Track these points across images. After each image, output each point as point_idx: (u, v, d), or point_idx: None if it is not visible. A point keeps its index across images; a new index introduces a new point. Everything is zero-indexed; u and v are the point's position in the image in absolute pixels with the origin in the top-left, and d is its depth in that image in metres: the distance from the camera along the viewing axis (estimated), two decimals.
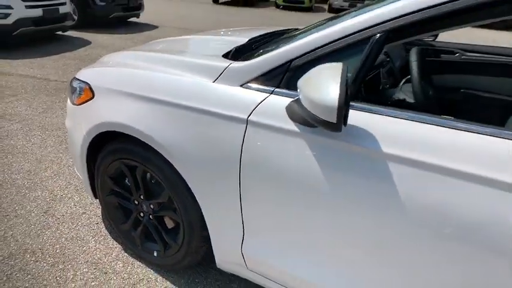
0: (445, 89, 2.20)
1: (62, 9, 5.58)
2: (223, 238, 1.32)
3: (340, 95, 0.79)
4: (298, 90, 0.92)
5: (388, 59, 1.64)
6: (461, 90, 2.17)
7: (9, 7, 4.78)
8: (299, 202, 1.07)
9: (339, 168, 0.97)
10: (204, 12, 11.80)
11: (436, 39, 2.37)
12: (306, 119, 0.93)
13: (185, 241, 1.46)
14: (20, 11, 4.89)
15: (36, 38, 5.60)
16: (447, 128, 0.88)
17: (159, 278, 1.61)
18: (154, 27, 8.11)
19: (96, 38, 6.47)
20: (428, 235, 0.88)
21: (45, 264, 1.63)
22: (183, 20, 9.38)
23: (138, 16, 8.18)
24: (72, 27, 6.42)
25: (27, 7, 4.97)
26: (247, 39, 1.68)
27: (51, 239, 1.79)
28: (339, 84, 0.80)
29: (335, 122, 0.81)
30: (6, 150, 2.57)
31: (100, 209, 2.02)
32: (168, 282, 1.58)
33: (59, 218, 1.94)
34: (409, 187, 0.88)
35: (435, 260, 0.90)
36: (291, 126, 1.02)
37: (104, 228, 1.88)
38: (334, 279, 1.10)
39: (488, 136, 0.84)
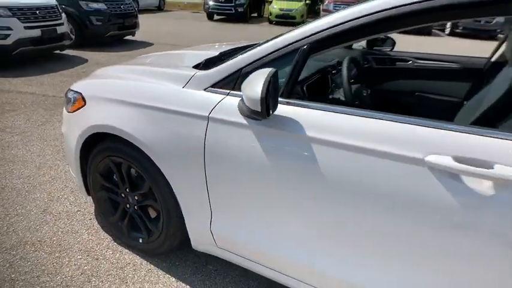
0: (402, 92, 2.46)
1: (60, 30, 5.89)
2: (195, 220, 1.55)
3: (262, 91, 1.05)
4: (241, 91, 1.18)
5: (340, 67, 1.90)
6: (416, 94, 2.44)
7: (9, 28, 5.08)
8: (251, 183, 1.31)
9: (276, 150, 1.21)
10: (199, 29, 12.20)
11: (393, 49, 2.65)
12: (247, 113, 1.18)
13: (164, 226, 1.68)
14: (19, 32, 5.19)
15: (35, 56, 5.89)
16: (361, 117, 1.12)
17: (144, 262, 1.82)
18: (149, 44, 8.44)
19: (93, 56, 6.78)
20: (340, 197, 1.12)
21: (43, 253, 1.85)
22: (177, 37, 9.73)
23: (133, 34, 8.53)
24: (70, 46, 6.74)
25: (26, 28, 5.27)
26: (219, 53, 1.94)
27: (48, 232, 2.01)
28: (262, 83, 1.05)
29: (260, 110, 1.07)
30: (7, 159, 2.81)
31: (93, 207, 2.24)
32: (151, 266, 1.80)
33: (55, 216, 2.16)
34: (327, 163, 1.13)
35: (353, 220, 1.14)
36: (241, 120, 1.27)
37: (97, 223, 2.11)
38: (291, 250, 1.32)
39: (392, 122, 1.08)
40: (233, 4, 14.33)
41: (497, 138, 0.95)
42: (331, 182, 1.13)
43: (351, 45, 2.64)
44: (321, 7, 14.34)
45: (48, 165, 2.74)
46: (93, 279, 1.70)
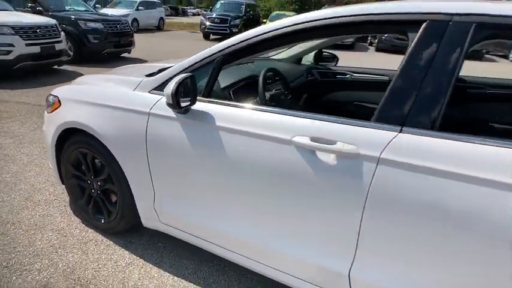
0: (342, 102, 2.84)
1: (58, 46, 6.38)
2: (142, 200, 1.90)
3: (172, 88, 1.42)
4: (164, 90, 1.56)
5: (277, 78, 2.28)
6: (354, 103, 2.81)
7: (11, 45, 5.56)
8: (179, 165, 1.66)
9: (196, 137, 1.58)
10: (193, 48, 12.77)
11: (337, 64, 3.05)
12: (167, 106, 1.55)
13: (120, 207, 2.03)
14: (20, 48, 5.67)
15: (35, 71, 6.34)
16: (255, 111, 1.49)
17: (104, 239, 2.16)
18: (143, 61, 8.95)
19: (89, 71, 7.24)
20: (239, 172, 1.47)
21: (21, 231, 2.19)
22: (170, 55, 10.25)
23: (129, 52, 9.05)
24: (69, 62, 7.21)
25: (27, 45, 5.75)
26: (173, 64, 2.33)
27: (27, 216, 2.35)
28: (174, 83, 1.43)
29: (171, 103, 1.44)
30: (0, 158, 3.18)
31: (68, 197, 2.59)
32: (110, 242, 2.14)
33: (35, 203, 2.51)
34: (229, 145, 1.49)
35: (252, 192, 1.48)
36: (171, 114, 1.64)
37: (70, 209, 2.45)
38: (217, 222, 1.66)
39: (273, 114, 1.44)
40: (228, 25, 15.03)
41: (340, 124, 1.31)
42: (233, 159, 1.49)
43: (300, 59, 3.04)
44: None
45: (35, 163, 3.10)
46: (60, 250, 2.04)
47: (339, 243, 1.35)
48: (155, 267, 1.95)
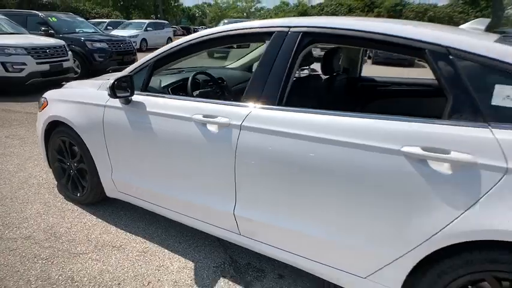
0: (237, 91, 3.25)
1: (65, 64, 7.18)
2: (104, 174, 2.48)
3: (110, 84, 2.01)
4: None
5: (208, 78, 2.84)
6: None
7: (24, 64, 6.36)
8: (127, 143, 2.24)
9: (136, 120, 2.15)
10: (195, 65, 13.57)
11: None
12: (109, 96, 2.13)
13: (89, 182, 2.61)
14: (32, 66, 6.46)
15: (45, 86, 7.11)
16: (177, 100, 2.06)
17: (79, 209, 2.73)
18: None
19: None
20: (169, 147, 2.04)
21: (16, 203, 2.79)
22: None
23: None
24: (77, 79, 8.00)
25: (38, 63, 6.55)
26: None
27: (22, 194, 2.96)
28: (112, 80, 2.02)
29: (110, 93, 2.03)
30: (6, 154, 3.83)
31: (56, 182, 3.19)
32: (83, 210, 2.71)
33: (30, 185, 3.12)
34: (159, 126, 2.06)
35: (180, 161, 2.04)
36: (119, 104, 2.23)
37: (56, 190, 3.04)
38: (161, 187, 2.21)
39: (189, 101, 2.01)
40: None
41: (221, 105, 1.86)
42: (158, 135, 2.05)
43: (251, 67, 3.62)
44: None
45: (34, 158, 3.74)
46: (43, 216, 2.62)
47: (226, 192, 1.88)
48: (114, 226, 2.51)
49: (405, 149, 1.37)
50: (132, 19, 21.57)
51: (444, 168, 1.31)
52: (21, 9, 11.32)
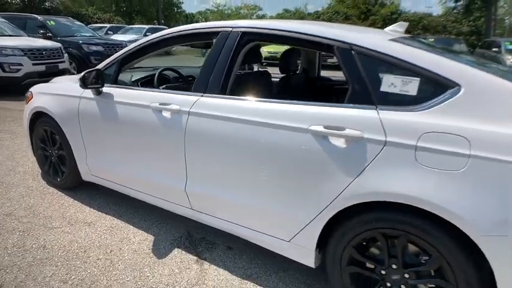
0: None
1: (61, 66, 7.51)
2: (80, 159, 2.75)
3: (80, 76, 2.30)
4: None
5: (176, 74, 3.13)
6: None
7: (20, 64, 6.69)
8: (99, 130, 2.52)
9: (106, 109, 2.43)
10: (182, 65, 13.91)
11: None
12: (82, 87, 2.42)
13: (67, 167, 2.89)
14: (28, 67, 6.79)
15: None
16: (140, 91, 2.34)
17: (59, 192, 3.01)
18: None
19: None
20: (129, 131, 2.32)
21: (1, 187, 3.07)
22: None
23: None
24: None
25: (34, 64, 6.88)
26: None
27: (8, 180, 3.23)
28: (83, 73, 2.31)
29: (80, 84, 2.32)
30: None
31: (40, 170, 3.47)
32: (62, 193, 2.98)
33: (16, 173, 3.40)
34: (123, 113, 2.34)
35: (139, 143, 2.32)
36: (92, 95, 2.51)
37: (40, 176, 3.32)
38: (129, 170, 2.48)
39: (150, 92, 2.29)
40: None
41: (176, 94, 2.14)
42: (122, 121, 2.33)
43: None
44: None
45: (23, 150, 4.03)
46: (25, 197, 2.90)
47: (178, 171, 2.15)
48: (88, 207, 2.78)
49: (312, 127, 1.64)
50: (134, 25, 22.08)
51: (340, 143, 1.59)
52: (22, 13, 11.71)
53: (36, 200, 2.87)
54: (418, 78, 1.52)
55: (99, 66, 2.57)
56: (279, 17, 26.42)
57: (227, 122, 1.89)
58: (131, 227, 2.53)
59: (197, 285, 1.96)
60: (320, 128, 1.62)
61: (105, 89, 2.47)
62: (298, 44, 1.95)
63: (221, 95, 1.99)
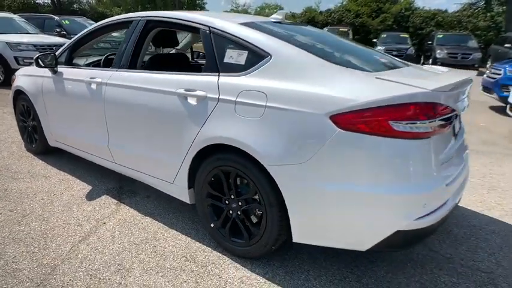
0: None
1: None
2: (46, 128, 3.39)
3: (35, 57, 2.92)
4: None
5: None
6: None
7: (32, 58, 7.54)
8: (55, 102, 3.14)
9: (61, 86, 3.05)
10: None
11: None
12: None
13: (38, 134, 3.54)
14: None
15: None
16: (86, 70, 2.93)
17: (33, 156, 3.67)
18: None
19: None
20: (77, 104, 2.92)
21: None
22: None
23: None
24: None
25: None
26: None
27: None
28: (38, 55, 2.93)
29: (35, 64, 2.94)
30: None
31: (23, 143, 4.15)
32: (37, 158, 3.64)
33: (5, 142, 4.10)
34: (71, 88, 2.94)
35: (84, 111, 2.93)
36: (50, 74, 3.14)
37: (23, 146, 4.01)
38: (80, 136, 3.10)
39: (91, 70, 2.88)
40: None
41: (101, 70, 2.71)
42: (73, 95, 2.93)
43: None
44: None
45: (14, 128, 4.76)
46: (5, 159, 3.58)
47: (102, 131, 2.71)
48: (51, 166, 3.42)
49: (178, 90, 2.16)
50: None
51: (193, 101, 2.09)
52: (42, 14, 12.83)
53: (13, 160, 3.54)
54: (246, 51, 2.00)
55: (56, 52, 3.20)
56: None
57: (127, 89, 2.44)
58: (78, 180, 3.13)
59: (108, 218, 2.53)
60: (182, 91, 2.13)
61: (59, 69, 3.09)
62: (180, 27, 2.46)
63: (128, 69, 2.54)
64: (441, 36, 15.46)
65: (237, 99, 1.91)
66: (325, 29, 17.27)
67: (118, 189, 2.97)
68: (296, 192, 1.77)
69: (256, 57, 1.97)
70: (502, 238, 2.46)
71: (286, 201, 1.80)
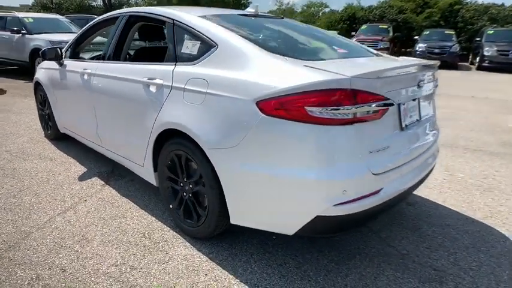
0: None
1: None
2: (56, 115, 3.75)
3: (41, 52, 3.24)
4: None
5: None
6: None
7: None
8: (62, 93, 3.48)
9: (66, 77, 3.37)
10: None
11: None
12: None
13: (51, 122, 3.92)
14: None
15: None
16: (82, 62, 3.22)
17: (47, 142, 4.07)
18: None
19: None
20: (80, 95, 3.22)
21: (12, 136, 4.24)
22: None
23: None
24: None
25: None
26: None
27: (21, 132, 4.41)
28: (44, 50, 3.25)
29: (42, 58, 3.27)
30: (22, 113, 5.43)
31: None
32: (49, 143, 4.04)
33: (30, 128, 4.58)
34: (74, 79, 3.25)
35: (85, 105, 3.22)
36: (57, 67, 3.47)
37: (43, 134, 4.44)
38: (83, 125, 3.42)
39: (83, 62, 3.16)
40: None
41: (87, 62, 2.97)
42: (77, 86, 3.23)
43: None
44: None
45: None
46: (25, 143, 4.01)
47: (92, 119, 2.97)
48: (58, 150, 3.78)
49: (142, 79, 2.32)
50: None
51: (154, 89, 2.24)
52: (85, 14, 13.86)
53: (30, 144, 3.96)
54: (199, 42, 2.11)
55: (63, 47, 3.53)
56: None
57: (106, 79, 2.66)
58: (77, 163, 3.44)
59: (90, 196, 2.77)
60: (145, 79, 2.30)
61: (65, 62, 3.41)
62: (153, 21, 2.61)
63: (111, 61, 2.76)
64: (491, 32, 14.30)
65: (185, 87, 2.03)
66: (364, 26, 16.76)
67: (109, 173, 3.23)
68: (229, 175, 1.85)
69: (206, 47, 2.07)
70: (472, 239, 2.33)
71: (222, 184, 1.89)
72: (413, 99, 2.04)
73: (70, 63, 3.33)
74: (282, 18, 2.90)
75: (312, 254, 2.12)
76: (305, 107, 1.58)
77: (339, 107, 1.57)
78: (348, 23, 19.52)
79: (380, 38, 15.04)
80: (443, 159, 3.69)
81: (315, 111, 1.57)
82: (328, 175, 1.61)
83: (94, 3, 28.11)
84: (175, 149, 2.16)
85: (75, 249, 2.12)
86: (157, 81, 2.21)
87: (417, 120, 2.09)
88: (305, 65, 1.73)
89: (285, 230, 1.79)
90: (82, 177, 3.12)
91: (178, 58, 2.20)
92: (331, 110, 1.57)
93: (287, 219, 1.76)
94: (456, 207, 2.77)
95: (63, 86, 3.40)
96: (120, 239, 2.23)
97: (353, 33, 16.80)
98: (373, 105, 1.65)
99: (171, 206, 2.32)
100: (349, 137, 1.62)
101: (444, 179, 3.29)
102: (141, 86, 2.34)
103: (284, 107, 1.62)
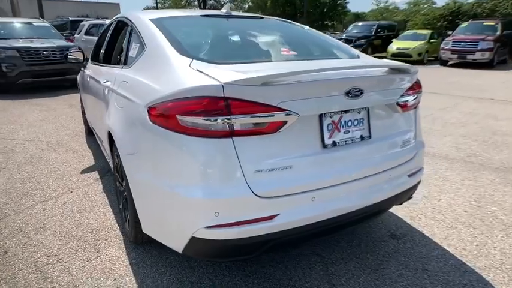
0: None
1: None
2: (87, 113, 4.18)
3: (64, 55, 3.62)
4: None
5: None
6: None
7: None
8: (86, 93, 3.86)
9: (88, 80, 3.73)
10: None
11: None
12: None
13: (84, 119, 4.38)
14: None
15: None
16: (97, 66, 3.52)
17: (82, 136, 4.56)
18: None
19: None
20: (92, 95, 3.55)
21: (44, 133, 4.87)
22: None
23: None
24: None
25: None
26: None
27: (68, 125, 5.03)
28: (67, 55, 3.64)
29: (65, 60, 3.65)
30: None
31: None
32: (82, 137, 4.52)
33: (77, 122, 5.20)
34: (92, 83, 3.58)
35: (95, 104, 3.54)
36: (83, 69, 3.86)
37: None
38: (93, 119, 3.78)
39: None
40: (352, 45, 15.95)
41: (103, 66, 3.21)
42: (93, 87, 3.57)
43: None
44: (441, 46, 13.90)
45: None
46: (65, 136, 4.56)
47: (105, 113, 3.21)
48: (83, 143, 4.19)
49: (102, 81, 2.42)
50: None
51: (107, 91, 2.31)
52: None
53: (68, 137, 4.49)
54: (138, 44, 2.10)
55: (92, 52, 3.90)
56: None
57: (92, 80, 2.85)
58: (91, 156, 3.78)
59: (77, 188, 3.01)
60: (103, 81, 2.39)
61: (88, 64, 3.77)
62: (128, 25, 2.68)
63: (101, 64, 2.95)
64: None
65: (117, 90, 2.04)
66: (464, 24, 14.60)
67: (109, 168, 3.45)
68: (132, 182, 1.80)
69: (141, 49, 2.05)
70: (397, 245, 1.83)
71: (131, 190, 1.85)
72: (358, 111, 1.69)
73: (88, 66, 3.66)
74: (261, 18, 2.70)
75: (235, 276, 1.92)
76: (177, 116, 1.43)
77: (209, 117, 1.38)
78: (449, 19, 17.28)
79: (482, 37, 13.00)
80: (483, 185, 2.99)
81: (186, 121, 1.42)
82: (199, 193, 1.43)
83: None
84: (116, 151, 2.19)
85: (29, 235, 2.31)
86: (108, 83, 2.28)
87: (362, 137, 1.72)
88: (198, 69, 1.57)
89: (176, 248, 1.66)
90: (85, 170, 3.40)
91: (125, 61, 2.23)
92: (202, 120, 1.39)
93: (173, 237, 1.63)
94: (456, 248, 2.21)
95: (84, 86, 3.76)
96: (70, 231, 2.36)
97: (450, 32, 14.87)
98: (258, 117, 1.41)
99: (120, 206, 2.37)
100: (224, 152, 1.41)
101: (465, 212, 2.65)
102: (101, 87, 2.45)
103: (161, 114, 1.51)
